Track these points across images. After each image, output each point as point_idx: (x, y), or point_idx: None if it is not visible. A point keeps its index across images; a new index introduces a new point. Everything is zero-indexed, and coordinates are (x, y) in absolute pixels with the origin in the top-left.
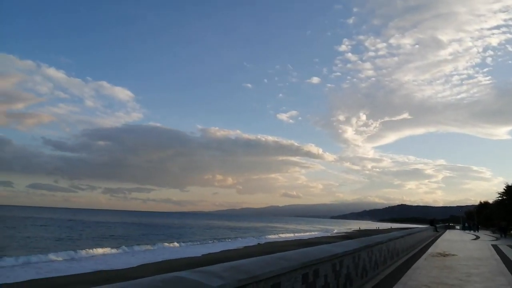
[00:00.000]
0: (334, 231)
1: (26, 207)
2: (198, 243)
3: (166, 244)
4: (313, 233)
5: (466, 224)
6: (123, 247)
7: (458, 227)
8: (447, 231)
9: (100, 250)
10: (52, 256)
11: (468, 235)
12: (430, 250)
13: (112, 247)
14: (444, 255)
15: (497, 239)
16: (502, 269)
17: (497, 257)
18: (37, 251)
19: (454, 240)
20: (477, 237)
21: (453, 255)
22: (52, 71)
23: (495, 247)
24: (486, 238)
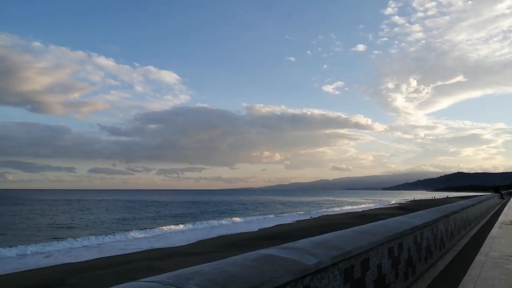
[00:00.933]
0: (389, 203)
1: (88, 191)
2: (252, 218)
3: (222, 220)
4: (365, 205)
5: None
6: (180, 225)
7: None
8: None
9: (158, 229)
10: (115, 237)
11: None
12: (501, 218)
13: (169, 225)
14: None
15: None
16: None
17: None
18: (102, 232)
19: None
20: None
21: None
22: (102, 60)
23: None
24: None
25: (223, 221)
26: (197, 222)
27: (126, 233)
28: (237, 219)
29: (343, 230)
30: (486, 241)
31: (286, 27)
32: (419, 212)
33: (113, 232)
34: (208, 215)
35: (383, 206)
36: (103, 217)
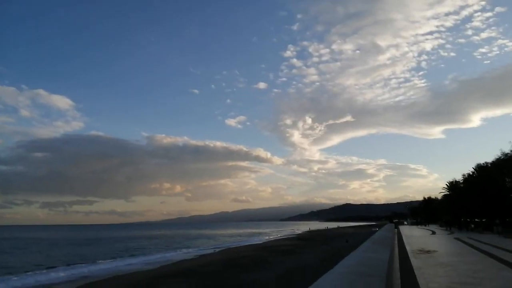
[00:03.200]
0: (288, 233)
1: None
2: (150, 256)
3: (116, 261)
4: (267, 237)
5: (416, 220)
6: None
7: (405, 222)
8: (399, 226)
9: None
10: None
11: (422, 230)
12: (408, 247)
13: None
14: (427, 251)
15: (451, 232)
16: (493, 263)
17: (474, 251)
18: None
19: (416, 235)
20: (433, 232)
21: (434, 251)
22: None
23: (459, 240)
24: (440, 232)
25: (118, 260)
26: (89, 264)
27: None
28: (132, 258)
29: (329, 273)
30: (416, 272)
31: (191, 60)
32: None
33: None
34: (96, 255)
35: (283, 237)
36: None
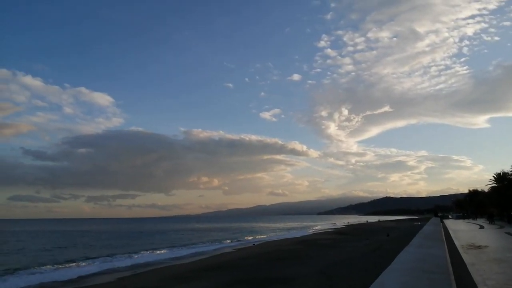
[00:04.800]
0: (326, 227)
1: (7, 220)
2: (192, 248)
3: (161, 251)
4: (304, 230)
5: (461, 213)
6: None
7: (450, 216)
8: (444, 220)
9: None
10: None
11: (469, 224)
12: (456, 242)
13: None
14: (478, 246)
15: (500, 227)
16: None
17: None
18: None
19: (463, 230)
20: (482, 226)
21: (485, 246)
22: (28, 79)
23: (510, 234)
24: (488, 226)
25: (161, 251)
26: (132, 254)
27: None
28: (174, 250)
29: (390, 270)
30: (470, 268)
31: (224, 54)
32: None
33: None
34: (144, 246)
35: (321, 231)
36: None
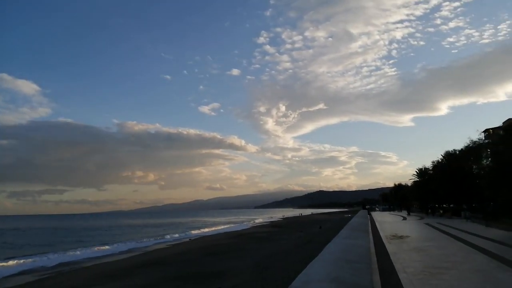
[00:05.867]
0: (262, 221)
1: None
2: (122, 244)
3: (87, 250)
4: (241, 224)
5: (387, 206)
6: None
7: (377, 208)
8: (372, 212)
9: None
10: None
11: (393, 216)
12: (381, 233)
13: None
14: (400, 237)
15: (421, 218)
16: (463, 247)
17: (445, 235)
18: None
19: (388, 221)
20: (404, 218)
21: (407, 236)
22: None
23: (429, 225)
24: (410, 218)
25: (90, 249)
26: (59, 252)
27: None
28: (105, 247)
29: (316, 260)
30: (391, 257)
31: (162, 45)
32: None
33: None
34: (71, 244)
35: (257, 225)
36: None
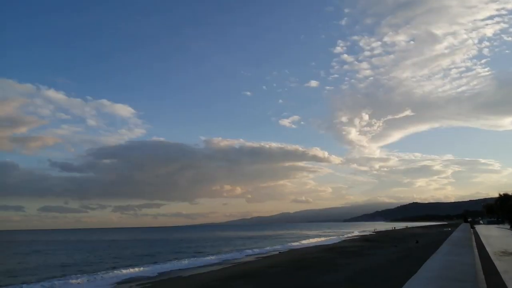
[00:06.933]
0: (353, 234)
1: (39, 231)
2: (215, 255)
3: (184, 260)
4: (331, 237)
5: (494, 218)
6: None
7: (481, 221)
8: (475, 226)
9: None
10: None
11: (502, 230)
12: (488, 248)
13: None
14: (511, 253)
15: None
16: None
17: None
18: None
19: (496, 235)
20: None
21: None
22: (51, 93)
23: None
24: None
25: (187, 260)
26: (158, 263)
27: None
28: (200, 259)
29: (415, 278)
30: (503, 277)
31: (241, 63)
32: None
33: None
34: (169, 254)
35: (347, 238)
36: (58, 260)
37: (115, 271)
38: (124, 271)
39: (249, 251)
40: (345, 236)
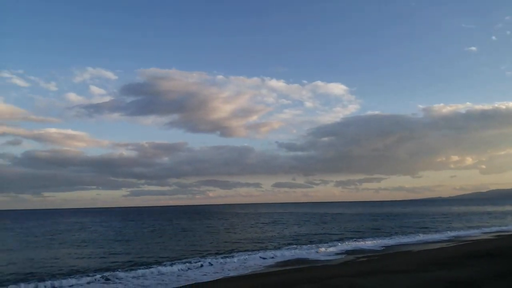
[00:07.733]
0: None
1: (274, 204)
2: (443, 231)
3: (406, 237)
4: None
5: None
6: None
7: None
8: None
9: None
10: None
11: None
12: None
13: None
14: None
15: None
16: None
17: None
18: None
19: None
20: None
21: None
22: (274, 82)
23: None
24: None
25: (412, 236)
26: (382, 237)
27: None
28: (427, 235)
29: None
30: None
31: (460, 15)
32: None
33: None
34: (393, 229)
35: None
36: (337, 229)
37: (345, 242)
38: (350, 242)
39: (486, 229)
40: None
